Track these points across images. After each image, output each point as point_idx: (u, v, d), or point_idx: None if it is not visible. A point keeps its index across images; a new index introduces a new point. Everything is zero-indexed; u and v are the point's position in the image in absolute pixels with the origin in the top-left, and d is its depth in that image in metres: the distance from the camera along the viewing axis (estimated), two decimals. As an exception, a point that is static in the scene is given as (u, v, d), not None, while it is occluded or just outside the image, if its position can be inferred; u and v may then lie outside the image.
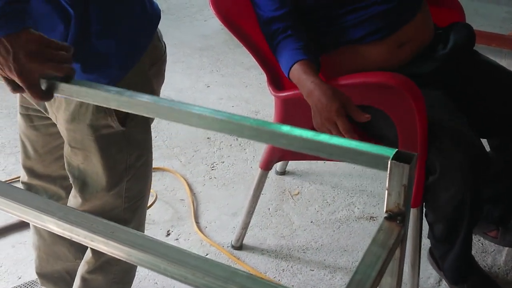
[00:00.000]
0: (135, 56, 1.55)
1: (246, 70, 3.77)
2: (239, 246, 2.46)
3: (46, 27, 1.42)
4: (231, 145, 3.14)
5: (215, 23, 4.31)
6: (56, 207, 0.91)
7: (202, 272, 0.80)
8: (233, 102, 3.49)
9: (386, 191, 0.88)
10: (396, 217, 0.89)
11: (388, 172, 0.86)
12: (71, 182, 1.65)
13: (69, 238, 0.89)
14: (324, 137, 0.94)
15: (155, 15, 1.62)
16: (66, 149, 1.61)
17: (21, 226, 2.62)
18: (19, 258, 2.47)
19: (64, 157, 1.63)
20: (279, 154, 2.23)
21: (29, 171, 1.81)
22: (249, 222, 2.43)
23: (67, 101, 1.52)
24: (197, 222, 2.61)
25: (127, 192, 1.65)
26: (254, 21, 2.08)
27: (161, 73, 1.69)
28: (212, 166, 2.98)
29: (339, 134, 1.79)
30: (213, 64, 3.91)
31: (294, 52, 1.93)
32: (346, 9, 2.00)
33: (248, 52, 2.18)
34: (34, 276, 2.29)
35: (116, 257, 0.86)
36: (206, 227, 2.59)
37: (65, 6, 1.42)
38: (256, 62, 2.15)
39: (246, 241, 2.48)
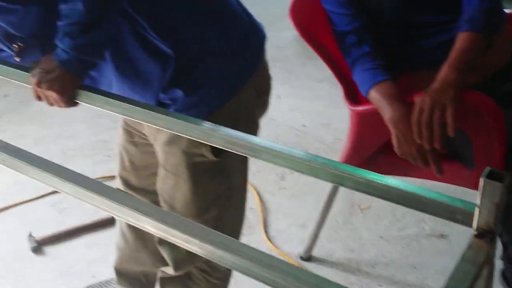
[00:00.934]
0: (237, 85, 1.57)
1: (317, 83, 3.79)
2: (308, 257, 2.47)
3: (143, 70, 1.49)
4: (301, 156, 3.16)
5: (288, 34, 4.35)
6: (154, 209, 0.95)
7: (293, 278, 0.82)
8: (303, 114, 3.52)
9: (477, 209, 0.88)
10: (485, 235, 0.89)
11: (480, 189, 0.86)
12: (161, 204, 1.70)
13: (165, 239, 0.93)
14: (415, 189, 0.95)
15: (258, 45, 1.64)
16: (160, 171, 1.66)
17: (95, 227, 2.71)
18: (93, 258, 2.55)
19: (158, 180, 1.68)
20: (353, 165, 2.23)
21: (124, 181, 1.87)
22: (318, 234, 2.44)
23: None
24: (266, 231, 2.64)
25: (217, 221, 1.67)
26: (332, 35, 2.09)
27: (265, 104, 1.70)
28: (282, 176, 3.01)
29: (425, 163, 1.77)
30: (285, 76, 3.95)
31: (372, 72, 1.92)
32: (424, 32, 2.00)
33: (321, 65, 2.20)
34: (108, 276, 2.37)
35: (211, 259, 0.89)
36: (275, 237, 2.61)
37: (162, 49, 1.47)
38: (329, 75, 2.16)
39: (314, 252, 2.49)
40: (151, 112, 1.24)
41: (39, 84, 1.38)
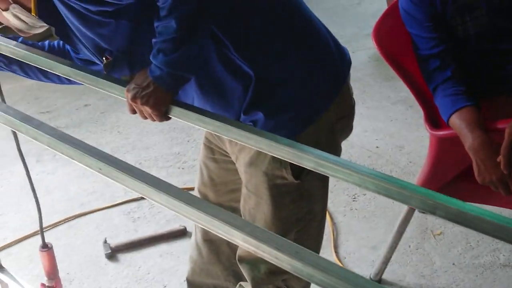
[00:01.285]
0: (319, 108, 1.58)
1: (392, 105, 3.77)
2: (378, 280, 2.45)
3: (225, 90, 1.53)
4: (373, 178, 3.13)
5: (363, 55, 4.35)
6: (243, 222, 0.97)
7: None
8: (377, 136, 3.49)
9: None
10: None
11: None
12: None
13: (253, 253, 0.94)
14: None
15: (343, 70, 1.64)
16: (243, 189, 1.69)
17: (167, 237, 2.76)
18: (165, 267, 2.60)
19: (241, 198, 1.71)
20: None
21: (203, 196, 1.91)
22: (390, 257, 2.42)
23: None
24: (336, 252, 2.63)
25: (296, 243, 1.67)
26: (413, 57, 2.08)
27: (348, 127, 1.71)
28: (353, 197, 3.00)
29: (508, 191, 1.74)
30: (359, 96, 3.93)
31: (454, 97, 1.89)
32: (509, 58, 1.97)
33: (396, 87, 2.19)
34: (179, 286, 2.41)
35: (299, 276, 0.90)
36: (345, 258, 2.60)
37: (245, 70, 1.50)
38: (404, 97, 2.15)
39: (385, 276, 2.46)
40: (243, 131, 1.26)
41: (134, 99, 1.42)
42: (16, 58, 1.68)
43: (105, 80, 1.44)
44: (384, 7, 4.59)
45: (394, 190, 1.04)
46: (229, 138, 1.32)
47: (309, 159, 1.14)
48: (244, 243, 0.94)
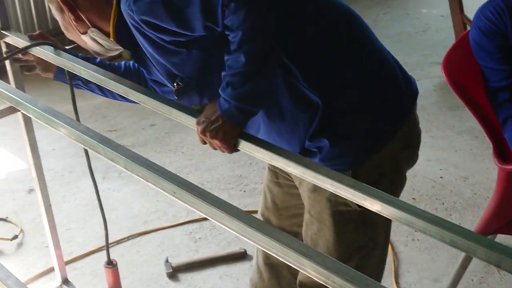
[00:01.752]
0: (384, 137, 1.58)
1: (457, 134, 3.71)
2: (440, 313, 2.41)
3: (291, 118, 1.55)
4: (436, 208, 3.09)
5: (428, 83, 4.31)
6: (315, 252, 0.98)
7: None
8: (441, 166, 3.45)
9: None
10: None
11: None
12: None
13: (323, 283, 0.95)
14: None
15: (410, 99, 1.64)
16: (306, 215, 1.70)
17: (228, 259, 2.79)
18: (224, 289, 2.63)
19: (304, 223, 1.72)
20: (496, 226, 2.16)
21: (265, 220, 1.92)
22: (453, 291, 2.38)
23: None
24: (397, 283, 2.60)
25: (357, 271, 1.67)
26: (482, 89, 2.06)
27: (414, 157, 1.70)
28: (415, 227, 2.96)
29: None
30: (423, 125, 3.86)
31: None
32: None
33: (461, 116, 2.17)
34: (238, 308, 2.43)
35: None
36: (406, 289, 2.57)
37: (312, 99, 1.52)
38: (469, 127, 2.13)
39: (447, 309, 2.42)
40: (308, 169, 1.27)
41: (203, 132, 1.46)
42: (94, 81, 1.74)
43: (177, 110, 1.48)
44: (451, 35, 4.56)
45: (459, 240, 1.04)
46: (295, 174, 1.34)
47: (373, 201, 1.15)
48: (315, 273, 0.95)
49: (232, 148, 1.47)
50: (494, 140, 2.09)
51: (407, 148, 1.65)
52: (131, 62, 1.88)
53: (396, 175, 1.66)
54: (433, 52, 4.69)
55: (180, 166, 3.57)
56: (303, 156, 1.61)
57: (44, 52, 1.79)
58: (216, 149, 1.49)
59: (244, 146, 1.42)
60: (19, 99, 1.56)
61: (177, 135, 3.88)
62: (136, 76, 1.87)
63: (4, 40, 1.99)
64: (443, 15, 5.23)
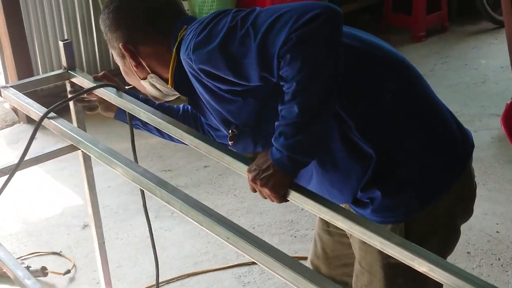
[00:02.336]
0: (438, 190, 1.57)
1: (515, 188, 3.63)
2: None
3: (344, 168, 1.55)
4: (492, 264, 3.01)
5: (486, 135, 4.23)
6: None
7: None
8: (498, 220, 3.36)
9: None
10: None
11: None
12: None
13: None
14: None
15: (465, 153, 1.63)
16: (356, 265, 1.68)
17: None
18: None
19: (354, 273, 1.71)
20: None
21: (315, 268, 1.92)
22: None
23: None
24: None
25: None
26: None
27: (469, 211, 1.68)
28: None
29: None
30: (480, 177, 3.81)
31: None
32: None
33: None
34: None
35: None
36: None
37: (366, 150, 1.52)
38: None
39: None
40: (357, 225, 1.27)
41: (254, 180, 1.47)
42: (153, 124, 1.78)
43: (229, 156, 1.50)
44: (511, 87, 4.48)
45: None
46: (344, 228, 1.33)
47: (421, 262, 1.14)
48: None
49: (282, 197, 1.47)
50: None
51: (462, 201, 1.62)
52: (189, 106, 1.92)
53: (450, 229, 1.63)
54: (492, 103, 4.61)
55: (232, 209, 3.59)
56: (355, 206, 1.61)
57: (106, 93, 1.85)
58: (265, 197, 1.49)
59: (294, 196, 1.42)
60: (81, 139, 1.61)
61: (230, 178, 3.90)
62: (193, 119, 1.91)
63: (70, 79, 2.07)
64: (503, 66, 5.16)
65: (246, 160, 1.51)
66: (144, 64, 1.67)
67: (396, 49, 1.71)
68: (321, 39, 1.37)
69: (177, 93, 1.72)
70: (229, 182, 3.87)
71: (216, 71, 1.47)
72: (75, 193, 3.75)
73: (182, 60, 1.55)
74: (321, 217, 1.41)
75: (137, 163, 1.68)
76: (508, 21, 4.15)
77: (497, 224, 3.33)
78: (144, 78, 1.69)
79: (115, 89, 1.87)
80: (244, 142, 1.63)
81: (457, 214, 1.63)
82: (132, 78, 1.75)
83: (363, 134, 1.51)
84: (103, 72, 2.00)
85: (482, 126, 4.39)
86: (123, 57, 1.70)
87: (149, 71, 1.67)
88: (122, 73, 1.77)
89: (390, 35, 5.64)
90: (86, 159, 2.20)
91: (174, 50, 1.59)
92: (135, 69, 1.69)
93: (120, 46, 1.66)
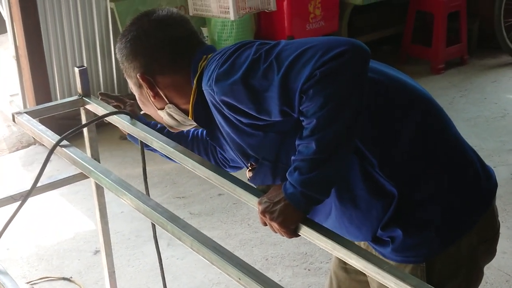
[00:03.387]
0: (460, 229, 1.53)
1: (535, 226, 3.55)
2: None
3: (364, 206, 1.52)
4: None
5: (505, 171, 4.17)
6: None
7: None
8: (516, 258, 3.29)
9: None
10: None
11: None
12: None
13: None
14: None
15: (488, 192, 1.60)
16: None
17: None
18: None
19: None
20: None
21: None
22: None
23: None
24: None
25: None
26: None
27: (491, 251, 1.65)
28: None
29: None
30: (499, 214, 3.72)
31: None
32: None
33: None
34: None
35: None
36: None
37: (388, 188, 1.49)
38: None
39: None
40: (371, 264, 1.24)
41: (263, 213, 1.44)
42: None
43: (241, 188, 1.47)
44: (531, 123, 4.42)
45: None
46: (357, 267, 1.30)
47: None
48: None
49: (292, 232, 1.44)
50: None
51: (485, 242, 1.58)
52: (200, 130, 1.90)
53: (472, 270, 1.59)
54: (511, 139, 4.55)
55: (245, 239, 3.54)
56: (375, 244, 1.57)
57: (120, 121, 1.84)
58: (275, 231, 1.46)
59: (305, 232, 1.39)
60: (93, 169, 1.59)
61: (244, 207, 3.86)
62: (203, 144, 1.89)
63: (85, 106, 2.06)
64: (523, 100, 5.12)
65: (257, 193, 1.48)
66: (162, 94, 1.65)
67: (415, 80, 1.68)
68: (346, 77, 1.34)
69: (194, 123, 1.70)
70: (243, 211, 3.83)
71: (238, 104, 1.45)
72: (87, 217, 3.73)
73: (204, 91, 1.53)
74: (335, 254, 1.37)
75: (149, 195, 1.66)
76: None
77: (515, 263, 3.26)
78: (162, 108, 1.67)
79: (128, 117, 1.85)
80: (263, 175, 1.60)
81: (480, 254, 1.60)
82: (149, 108, 1.73)
83: (385, 171, 1.48)
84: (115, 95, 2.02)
85: (501, 162, 4.33)
86: (140, 86, 1.68)
87: (167, 101, 1.65)
88: (138, 102, 1.76)
89: (409, 66, 5.60)
90: (99, 187, 2.18)
91: (194, 81, 1.57)
92: (152, 99, 1.67)
93: (138, 76, 1.64)
